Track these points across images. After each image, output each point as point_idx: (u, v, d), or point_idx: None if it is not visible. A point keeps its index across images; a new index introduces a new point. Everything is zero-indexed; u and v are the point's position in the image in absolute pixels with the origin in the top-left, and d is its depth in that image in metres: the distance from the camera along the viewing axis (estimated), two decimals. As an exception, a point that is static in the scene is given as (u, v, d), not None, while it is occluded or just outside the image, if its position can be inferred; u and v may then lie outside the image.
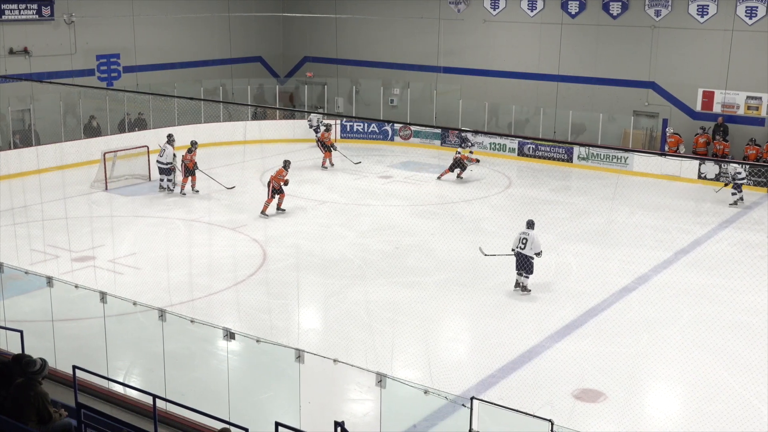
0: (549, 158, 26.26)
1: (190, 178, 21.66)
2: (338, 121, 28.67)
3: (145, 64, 28.71)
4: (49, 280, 10.86)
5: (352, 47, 31.87)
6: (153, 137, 24.71)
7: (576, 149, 25.77)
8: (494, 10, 28.68)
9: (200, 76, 29.84)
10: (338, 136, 28.66)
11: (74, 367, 8.45)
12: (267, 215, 19.63)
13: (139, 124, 26.95)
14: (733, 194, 21.43)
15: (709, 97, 25.17)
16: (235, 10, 30.95)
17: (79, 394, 8.45)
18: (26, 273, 12.18)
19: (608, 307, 14.47)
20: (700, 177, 23.94)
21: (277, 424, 7.33)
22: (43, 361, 7.82)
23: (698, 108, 25.39)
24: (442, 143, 28.41)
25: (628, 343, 12.99)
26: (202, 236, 18.60)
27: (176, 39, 29.62)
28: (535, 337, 13.00)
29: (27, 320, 12.19)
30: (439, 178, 23.66)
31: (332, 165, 25.03)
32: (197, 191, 21.70)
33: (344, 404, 10.49)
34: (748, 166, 22.00)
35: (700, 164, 23.59)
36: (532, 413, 7.68)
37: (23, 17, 25.23)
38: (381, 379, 8.01)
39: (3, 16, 24.71)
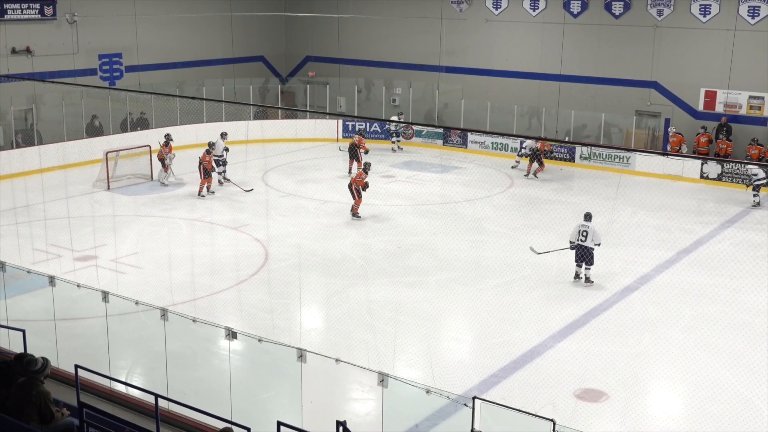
0: (551, 158, 26.25)
1: (207, 179, 21.66)
2: (340, 121, 28.73)
3: (148, 64, 28.73)
4: (52, 280, 10.86)
5: (355, 47, 31.88)
6: (155, 137, 24.71)
7: (578, 149, 25.76)
8: (496, 9, 28.66)
9: (202, 76, 29.85)
10: (340, 136, 28.68)
11: (76, 367, 8.45)
12: (359, 216, 19.63)
13: (142, 124, 26.96)
14: (754, 196, 21.44)
15: (711, 96, 25.14)
16: (237, 9, 30.97)
17: (81, 393, 8.45)
18: (28, 272, 12.19)
19: (610, 306, 14.47)
20: (702, 177, 23.92)
21: (279, 424, 7.33)
22: (45, 360, 7.83)
23: (700, 108, 25.37)
24: (444, 143, 28.41)
25: (630, 343, 12.99)
26: (204, 236, 18.61)
27: (178, 39, 29.64)
28: (537, 337, 12.99)
29: (29, 319, 12.22)
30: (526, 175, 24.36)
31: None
32: (212, 192, 21.74)
33: (346, 404, 10.49)
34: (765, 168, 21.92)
35: (702, 164, 23.57)
36: (534, 413, 7.68)
37: (26, 17, 25.25)
38: (383, 378, 8.01)
39: (5, 16, 24.74)
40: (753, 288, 14.87)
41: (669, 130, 24.90)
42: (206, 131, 26.64)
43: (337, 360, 8.47)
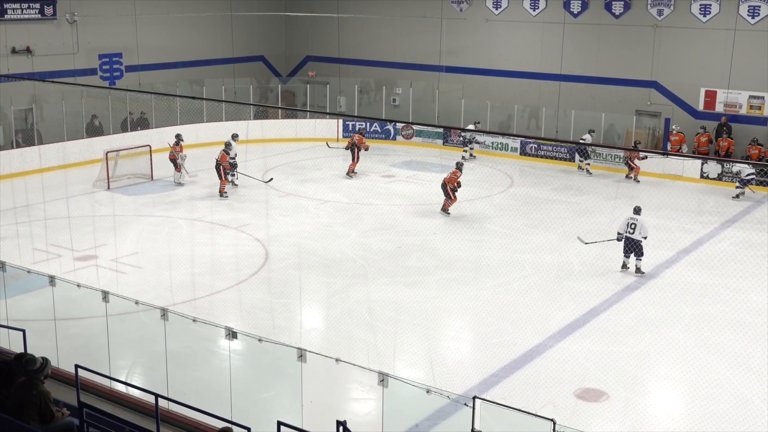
0: (551, 157, 26.25)
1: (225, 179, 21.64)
2: (340, 120, 28.73)
3: (148, 64, 28.73)
4: (52, 279, 10.85)
5: (355, 46, 31.88)
6: (155, 136, 24.74)
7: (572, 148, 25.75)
8: (496, 9, 28.66)
9: (202, 76, 29.85)
10: (340, 135, 28.69)
11: (76, 366, 8.45)
12: (449, 213, 19.81)
13: (142, 124, 26.97)
14: (738, 188, 21.72)
15: (711, 96, 25.14)
16: (237, 9, 30.98)
17: (81, 393, 8.44)
18: (28, 272, 12.18)
19: (610, 306, 14.46)
20: (702, 176, 23.92)
21: (279, 424, 7.33)
22: (45, 360, 7.82)
23: (701, 107, 25.36)
24: (444, 143, 28.41)
25: (630, 343, 12.99)
26: (205, 235, 18.61)
27: (178, 38, 29.64)
28: (538, 337, 12.99)
29: (29, 319, 12.22)
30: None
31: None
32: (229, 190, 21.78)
33: (346, 403, 10.49)
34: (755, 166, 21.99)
35: (702, 164, 23.56)
36: (534, 413, 7.67)
37: (26, 16, 25.25)
38: (383, 378, 8.00)
39: (5, 16, 24.73)
40: (753, 288, 14.87)
41: (673, 128, 24.87)
42: (206, 131, 26.67)
43: (337, 360, 8.47)
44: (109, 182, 22.26)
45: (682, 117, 25.53)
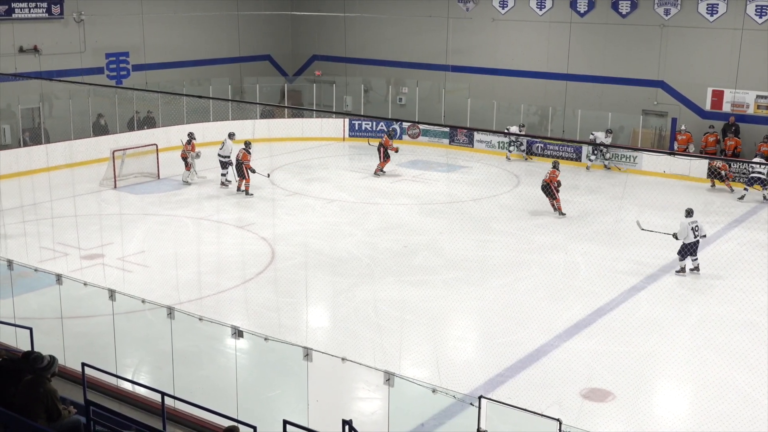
0: (558, 157, 26.18)
1: (244, 179, 21.64)
2: (346, 120, 28.73)
3: (154, 63, 28.78)
4: (59, 278, 10.89)
5: (361, 46, 31.88)
6: (162, 135, 24.80)
7: (585, 148, 25.71)
8: (503, 8, 28.63)
9: (209, 75, 29.89)
10: (347, 135, 28.69)
11: (83, 365, 8.47)
12: (564, 214, 19.86)
13: (148, 123, 27.02)
14: (746, 189, 21.67)
15: (718, 96, 25.06)
16: (244, 8, 31.01)
17: (87, 391, 8.48)
18: (36, 270, 12.23)
19: (617, 306, 14.44)
20: (709, 176, 23.84)
21: (285, 422, 7.33)
22: (52, 358, 7.84)
23: (708, 107, 25.29)
24: (450, 142, 28.39)
25: (636, 343, 12.96)
26: (211, 234, 18.64)
27: (185, 37, 29.68)
28: (544, 337, 12.98)
29: (36, 317, 12.26)
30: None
31: None
32: (240, 192, 21.80)
33: (352, 403, 10.50)
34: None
35: (709, 163, 23.48)
36: (540, 412, 7.67)
37: (33, 16, 25.31)
38: (389, 377, 8.00)
39: (13, 15, 24.80)
40: (760, 288, 14.82)
41: (681, 128, 24.80)
42: (213, 130, 26.70)
43: (343, 359, 8.48)
44: (115, 181, 22.31)
45: (689, 117, 25.46)
